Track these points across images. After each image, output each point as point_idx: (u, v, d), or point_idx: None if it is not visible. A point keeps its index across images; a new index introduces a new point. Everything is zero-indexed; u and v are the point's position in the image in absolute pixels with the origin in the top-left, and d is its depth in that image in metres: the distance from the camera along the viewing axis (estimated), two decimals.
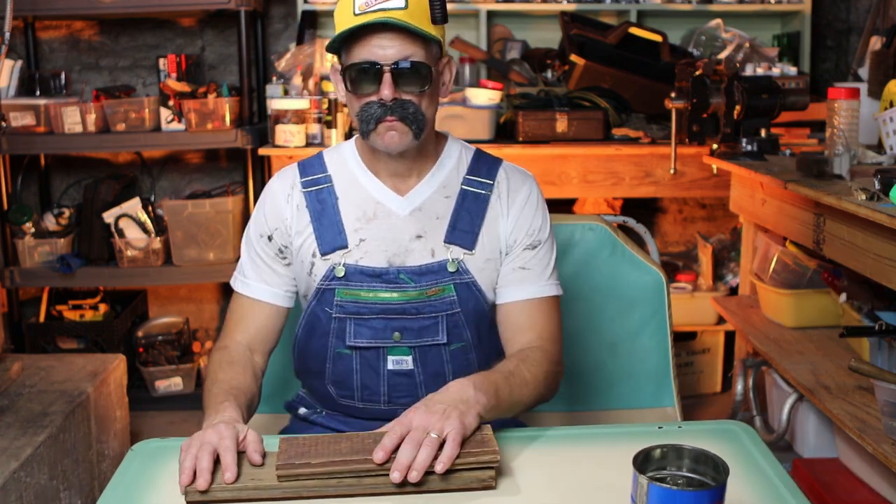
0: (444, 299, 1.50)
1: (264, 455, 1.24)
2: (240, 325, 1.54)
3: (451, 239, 1.50)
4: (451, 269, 1.50)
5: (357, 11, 1.38)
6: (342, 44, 1.44)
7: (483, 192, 1.53)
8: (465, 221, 1.51)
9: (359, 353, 1.52)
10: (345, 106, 3.00)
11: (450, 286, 1.50)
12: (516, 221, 1.54)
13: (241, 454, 1.24)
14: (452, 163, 1.55)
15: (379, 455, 1.18)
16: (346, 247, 1.50)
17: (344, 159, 1.56)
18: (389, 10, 1.37)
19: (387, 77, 1.40)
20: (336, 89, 1.51)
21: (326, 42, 1.44)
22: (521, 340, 1.51)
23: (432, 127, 1.51)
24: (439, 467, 1.18)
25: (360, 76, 1.42)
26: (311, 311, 1.53)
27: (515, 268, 1.53)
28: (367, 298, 1.49)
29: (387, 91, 1.40)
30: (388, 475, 1.18)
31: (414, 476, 1.17)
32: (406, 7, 1.37)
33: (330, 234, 1.51)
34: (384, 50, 1.39)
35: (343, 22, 1.40)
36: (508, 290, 1.54)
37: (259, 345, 1.54)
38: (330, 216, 1.51)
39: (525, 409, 1.45)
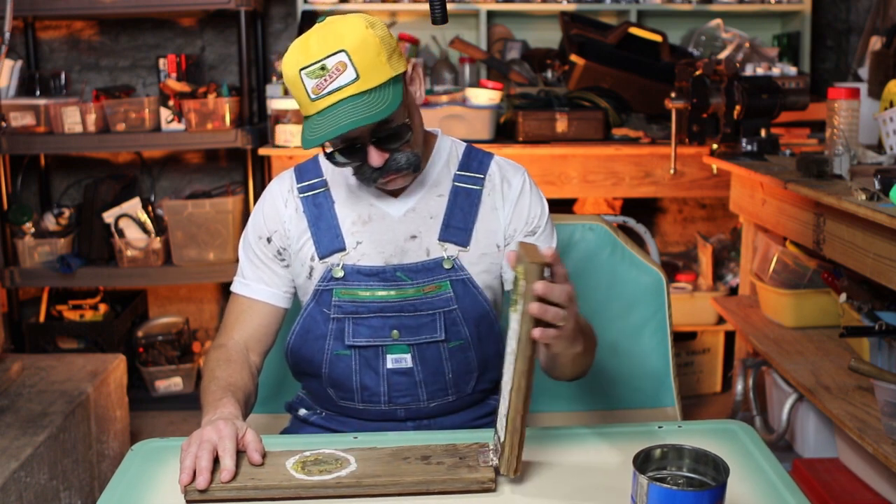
0: (440, 296, 1.50)
1: (264, 454, 1.24)
2: (237, 323, 1.55)
3: (445, 237, 1.52)
4: (446, 266, 1.51)
5: (312, 97, 1.36)
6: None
7: (474, 187, 1.55)
8: (458, 218, 1.52)
9: (358, 353, 1.52)
10: None
11: (446, 283, 1.51)
12: (513, 212, 1.55)
13: (241, 453, 1.24)
14: (443, 160, 1.56)
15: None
16: (343, 250, 1.51)
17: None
18: (343, 86, 1.34)
19: (371, 148, 1.41)
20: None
21: (283, 59, 1.42)
22: None
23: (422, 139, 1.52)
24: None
25: (345, 152, 1.42)
26: (308, 313, 1.53)
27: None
28: (365, 297, 1.50)
29: (376, 160, 1.41)
30: (391, 478, 1.18)
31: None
32: (358, 77, 1.34)
33: (327, 237, 1.52)
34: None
35: (303, 104, 1.38)
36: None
37: (256, 344, 1.55)
38: (327, 220, 1.52)
39: (583, 368, 1.48)
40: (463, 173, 1.55)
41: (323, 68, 1.34)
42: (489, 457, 1.24)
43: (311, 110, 1.37)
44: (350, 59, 1.34)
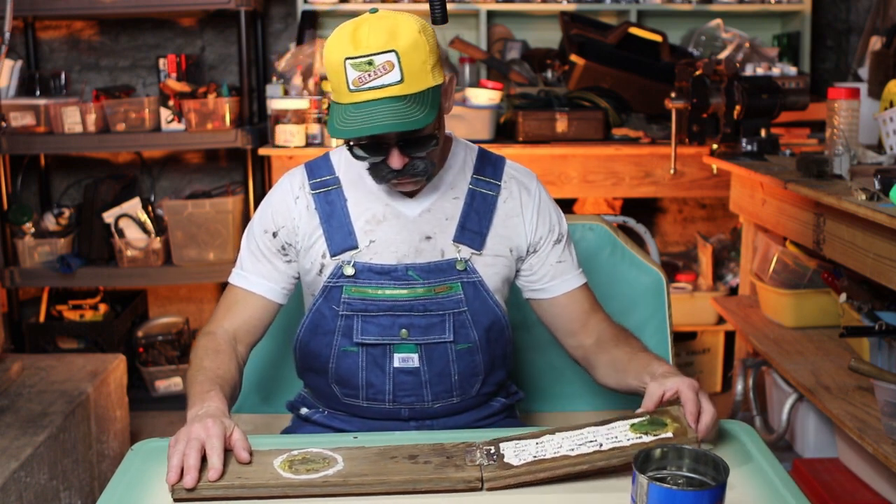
0: (451, 297, 1.51)
1: (251, 453, 1.25)
2: (228, 313, 1.55)
3: (460, 239, 1.52)
4: (459, 267, 1.51)
5: (352, 87, 1.35)
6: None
7: (491, 192, 1.55)
8: (474, 222, 1.53)
9: (365, 351, 1.52)
10: None
11: (457, 284, 1.51)
12: (537, 221, 1.57)
13: (228, 452, 1.24)
14: (459, 163, 1.56)
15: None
16: (356, 247, 1.51)
17: (351, 161, 1.55)
18: (386, 86, 1.34)
19: (394, 150, 1.40)
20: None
21: (326, 42, 1.42)
22: (592, 323, 1.58)
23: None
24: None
25: (367, 148, 1.42)
26: (316, 308, 1.53)
27: (553, 262, 1.58)
28: (375, 295, 1.50)
29: (396, 162, 1.41)
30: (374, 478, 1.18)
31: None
32: (402, 80, 1.34)
33: (340, 235, 1.51)
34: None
35: (339, 91, 1.38)
36: (557, 284, 1.58)
37: (244, 335, 1.54)
38: (339, 218, 1.52)
39: None
40: (479, 177, 1.56)
41: (370, 63, 1.34)
42: (475, 456, 1.24)
43: (346, 99, 1.37)
44: (399, 61, 1.34)
